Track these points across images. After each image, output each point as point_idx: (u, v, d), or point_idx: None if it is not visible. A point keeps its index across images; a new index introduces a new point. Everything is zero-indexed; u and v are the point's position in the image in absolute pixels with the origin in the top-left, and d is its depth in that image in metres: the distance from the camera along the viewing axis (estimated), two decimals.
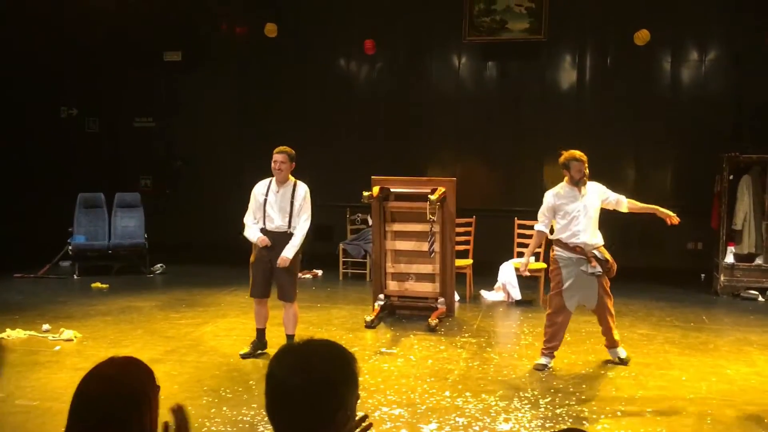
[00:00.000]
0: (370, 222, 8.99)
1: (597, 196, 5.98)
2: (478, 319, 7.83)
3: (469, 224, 9.08)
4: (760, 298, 8.97)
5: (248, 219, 6.16)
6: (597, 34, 10.92)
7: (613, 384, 5.61)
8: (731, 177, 9.18)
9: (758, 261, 9.18)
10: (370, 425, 1.78)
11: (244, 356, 6.13)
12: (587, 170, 5.92)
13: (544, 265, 8.69)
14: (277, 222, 6.05)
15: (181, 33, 11.80)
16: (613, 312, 6.06)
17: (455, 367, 6.06)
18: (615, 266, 5.97)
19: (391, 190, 7.80)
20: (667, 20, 10.42)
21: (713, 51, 10.71)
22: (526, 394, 5.34)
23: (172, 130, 12.25)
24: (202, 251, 11.06)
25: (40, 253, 10.25)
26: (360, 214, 10.43)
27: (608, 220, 11.13)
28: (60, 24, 11.18)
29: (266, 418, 4.66)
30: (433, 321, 7.29)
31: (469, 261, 8.85)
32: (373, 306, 7.80)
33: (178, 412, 2.01)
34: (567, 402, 5.19)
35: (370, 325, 7.36)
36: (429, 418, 4.85)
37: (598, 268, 5.82)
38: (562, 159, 5.94)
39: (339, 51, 11.69)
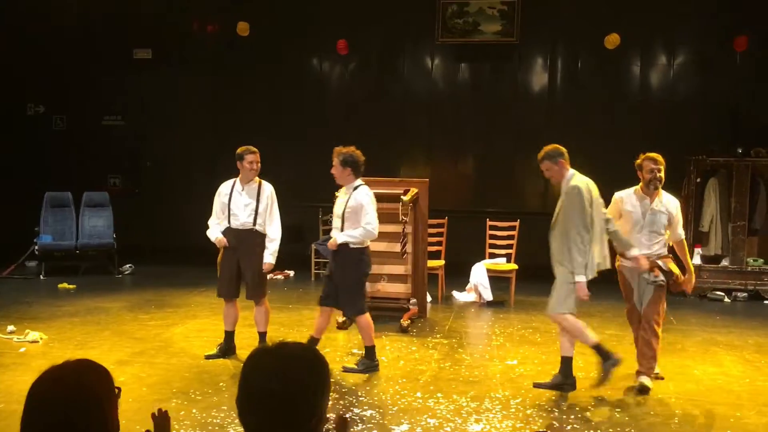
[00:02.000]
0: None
1: (671, 215, 5.52)
2: (450, 320, 7.85)
3: (441, 225, 9.11)
4: (726, 299, 9.13)
5: (212, 220, 6.18)
6: (568, 37, 11.04)
7: (581, 384, 5.64)
8: (698, 180, 9.34)
9: (724, 263, 9.34)
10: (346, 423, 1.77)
11: (209, 357, 6.08)
12: (662, 174, 5.49)
13: (515, 267, 8.77)
14: (242, 219, 6.04)
15: (151, 30, 11.67)
16: (656, 331, 5.47)
17: (427, 368, 6.07)
18: (686, 284, 5.61)
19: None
20: (636, 24, 10.56)
21: (682, 55, 10.88)
22: (497, 395, 5.36)
23: (142, 128, 12.10)
24: (171, 252, 10.93)
25: (5, 253, 10.05)
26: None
27: None
28: (27, 19, 10.98)
29: (236, 421, 4.63)
30: (405, 322, 7.29)
31: (441, 262, 8.88)
32: None
33: (158, 418, 1.98)
34: (537, 402, 5.23)
35: (341, 326, 7.33)
36: (400, 419, 4.85)
37: (661, 278, 5.44)
38: (638, 160, 5.62)
39: (312, 51, 11.65)
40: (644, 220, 5.52)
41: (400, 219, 7.35)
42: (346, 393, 5.33)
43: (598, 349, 5.49)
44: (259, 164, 6.08)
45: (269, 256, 6.06)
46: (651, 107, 10.88)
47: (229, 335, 6.21)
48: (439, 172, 10.98)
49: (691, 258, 9.12)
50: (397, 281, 7.84)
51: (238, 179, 6.13)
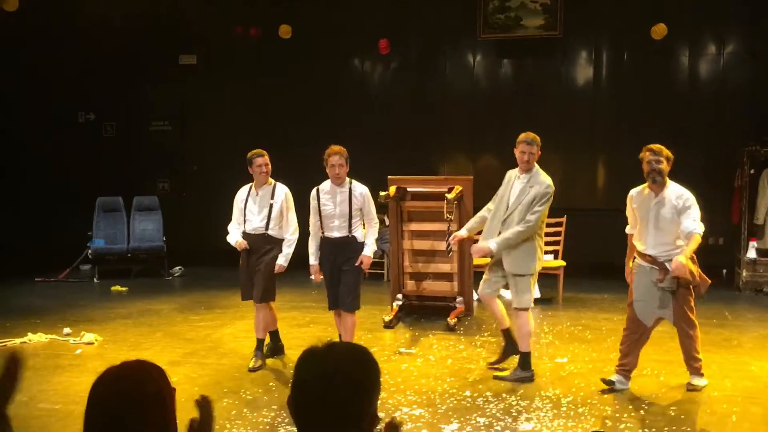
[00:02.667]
0: (387, 222, 8.97)
1: (674, 208, 5.12)
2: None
3: None
4: None
5: (231, 225, 6.16)
6: (613, 29, 10.83)
7: (635, 382, 5.54)
8: (752, 171, 9.09)
9: None
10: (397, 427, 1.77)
11: (252, 370, 5.88)
12: (663, 166, 5.17)
13: (563, 263, 8.64)
14: (254, 224, 5.99)
15: (196, 36, 11.86)
16: (692, 335, 5.26)
17: (475, 366, 6.03)
18: (704, 283, 5.21)
19: (408, 189, 7.77)
20: (684, 13, 10.31)
21: (732, 44, 10.60)
22: (548, 394, 5.29)
23: (188, 133, 12.31)
24: (218, 253, 11.05)
25: (60, 257, 10.34)
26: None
27: (623, 216, 11.04)
28: (77, 30, 11.26)
29: (287, 420, 4.67)
30: (451, 320, 7.26)
31: (488, 260, 8.78)
32: (392, 306, 7.79)
33: (202, 404, 2.01)
34: (589, 401, 5.14)
35: (388, 325, 7.35)
36: (450, 419, 4.82)
37: (667, 283, 5.10)
38: (641, 153, 5.33)
39: (353, 51, 11.70)
40: (649, 217, 5.19)
41: (445, 217, 7.31)
42: (394, 392, 5.33)
43: (524, 356, 5.64)
44: (269, 166, 5.97)
45: (281, 258, 5.96)
46: (701, 99, 10.62)
47: (274, 335, 6.29)
48: (482, 169, 10.90)
49: (746, 252, 8.96)
50: (442, 279, 7.81)
51: (252, 184, 6.09)
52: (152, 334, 7.10)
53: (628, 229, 5.55)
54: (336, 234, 5.73)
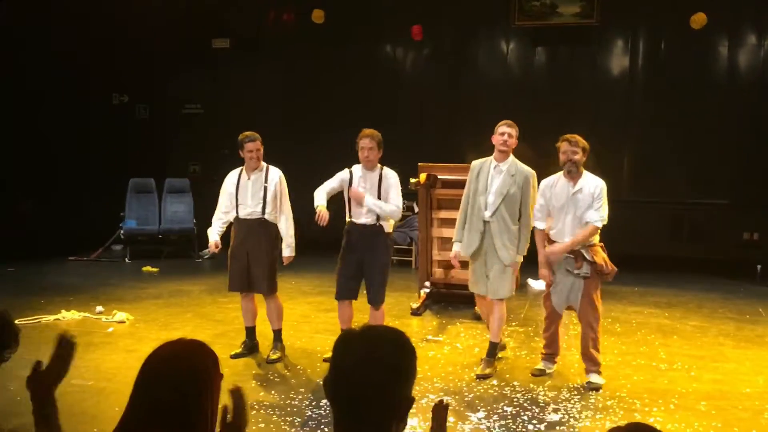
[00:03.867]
0: (416, 209, 8.96)
1: (591, 196, 5.17)
2: (525, 308, 7.74)
3: None
4: None
5: (216, 216, 5.87)
6: (651, 17, 10.63)
7: (665, 376, 5.48)
8: None
9: None
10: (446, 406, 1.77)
11: (234, 356, 5.76)
12: (580, 157, 5.17)
13: None
14: (249, 209, 5.70)
15: (229, 20, 11.90)
16: (596, 328, 5.31)
17: (502, 355, 6.00)
18: (612, 271, 5.27)
19: (438, 177, 7.74)
20: (724, 3, 10.08)
21: None
22: (575, 385, 5.26)
23: (220, 116, 12.37)
24: None
25: (93, 237, 10.50)
26: (406, 201, 10.37)
27: (656, 209, 10.90)
28: (111, 12, 11.36)
29: (314, 403, 4.71)
30: (479, 309, 7.22)
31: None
32: (419, 293, 7.78)
33: (236, 393, 2.02)
34: (618, 393, 5.09)
35: (415, 313, 7.35)
36: (477, 407, 4.82)
37: (585, 270, 5.18)
38: (557, 143, 5.31)
39: (386, 37, 11.64)
40: (568, 205, 5.21)
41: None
42: (421, 379, 5.33)
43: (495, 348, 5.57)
44: (260, 152, 5.68)
45: (287, 249, 5.71)
46: (739, 90, 10.39)
47: (250, 331, 5.95)
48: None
49: None
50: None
51: (243, 168, 5.80)
52: (182, 315, 7.18)
53: (538, 224, 5.40)
54: (363, 220, 5.45)
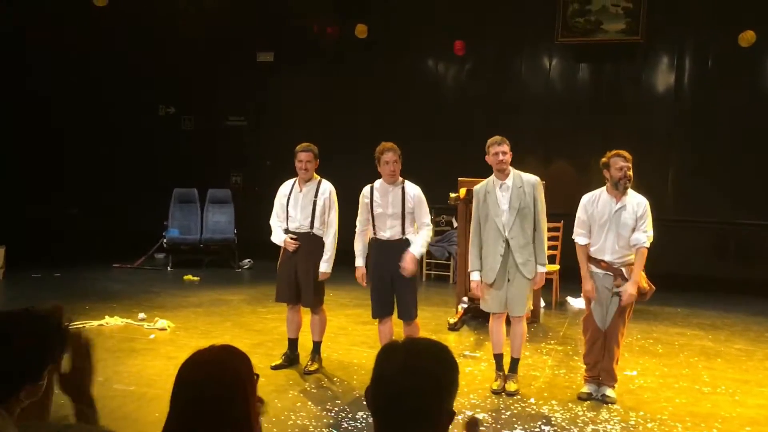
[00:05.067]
0: (455, 224, 8.94)
1: (635, 214, 5.12)
2: (565, 327, 7.65)
3: (557, 229, 8.87)
4: None
5: (273, 221, 5.90)
6: (698, 34, 10.47)
7: (708, 400, 5.36)
8: None
9: None
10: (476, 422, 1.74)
11: (275, 368, 5.79)
12: (631, 173, 5.12)
13: (557, 267, 8.43)
14: (297, 222, 5.72)
15: (273, 34, 12.09)
16: (621, 344, 5.31)
17: (541, 374, 5.94)
18: (651, 290, 5.24)
19: None
20: None
21: None
22: (616, 406, 5.17)
23: (263, 129, 12.56)
24: None
25: (137, 245, 10.71)
26: (445, 216, 10.39)
27: (701, 228, 10.68)
28: (159, 25, 11.64)
29: (350, 415, 4.72)
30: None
31: (556, 267, 8.66)
32: (457, 308, 7.76)
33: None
34: (659, 416, 4.99)
35: (453, 328, 7.32)
36: (513, 425, 4.77)
37: (623, 288, 5.14)
38: (604, 158, 5.20)
39: (428, 52, 11.68)
40: (610, 222, 5.13)
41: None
42: (457, 395, 5.28)
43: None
44: (310, 163, 5.67)
45: (323, 264, 5.67)
46: None
47: (292, 343, 5.93)
48: (555, 174, 10.68)
49: None
50: None
51: (297, 179, 5.80)
52: (222, 324, 7.27)
53: (580, 240, 5.30)
54: (388, 235, 5.42)
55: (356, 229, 5.59)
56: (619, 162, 5.11)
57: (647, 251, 5.15)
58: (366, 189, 5.58)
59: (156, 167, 12.24)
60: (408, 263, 5.33)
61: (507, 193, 5.31)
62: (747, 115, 10.24)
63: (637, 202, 5.16)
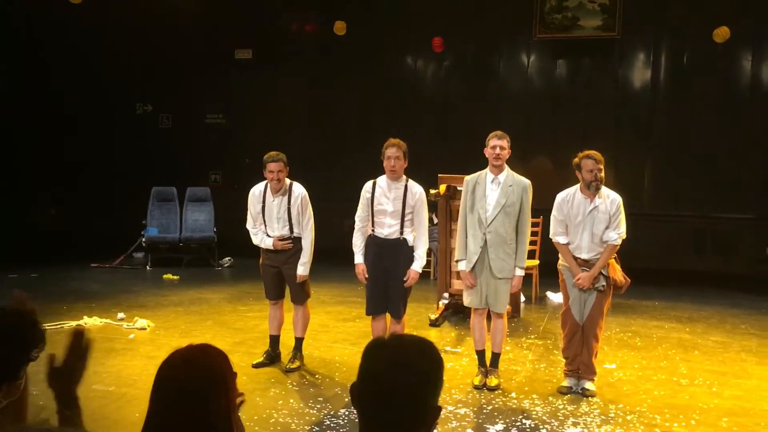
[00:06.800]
0: (435, 220, 8.96)
1: (608, 212, 5.19)
2: (545, 321, 7.71)
3: (536, 224, 8.93)
4: None
5: (249, 226, 5.80)
6: (673, 31, 10.61)
7: (686, 392, 5.43)
8: None
9: None
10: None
11: (256, 366, 5.75)
12: (602, 174, 5.16)
13: (536, 262, 8.51)
14: (277, 232, 5.69)
15: (251, 31, 12.03)
16: (599, 338, 5.37)
17: (521, 368, 5.98)
18: (626, 284, 5.33)
19: (458, 188, 7.73)
20: (748, 16, 10.03)
21: None
22: (595, 399, 5.22)
23: (242, 126, 12.50)
24: None
25: (115, 244, 10.62)
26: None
27: (678, 222, 10.82)
28: (136, 23, 11.53)
29: (332, 412, 4.71)
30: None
31: (536, 262, 8.72)
32: (438, 304, 7.78)
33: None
34: (638, 408, 5.05)
35: (434, 324, 7.34)
36: (495, 419, 4.80)
37: (600, 283, 5.21)
38: (576, 159, 5.25)
39: (407, 49, 11.71)
40: (585, 221, 5.20)
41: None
42: None
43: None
44: (281, 173, 5.56)
45: (300, 267, 5.66)
46: (763, 103, 10.32)
47: (274, 340, 5.93)
48: (534, 170, 10.75)
49: None
50: None
51: (268, 185, 5.69)
52: (202, 323, 7.23)
53: (560, 239, 5.34)
54: (385, 232, 5.38)
55: (355, 225, 5.53)
56: (590, 164, 5.15)
57: (617, 247, 5.23)
58: (368, 184, 5.49)
59: (134, 166, 12.14)
60: (411, 280, 5.38)
61: (497, 188, 5.33)
62: (722, 110, 10.39)
63: (610, 200, 5.22)
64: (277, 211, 5.68)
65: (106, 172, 12.16)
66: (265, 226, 5.75)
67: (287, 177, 5.71)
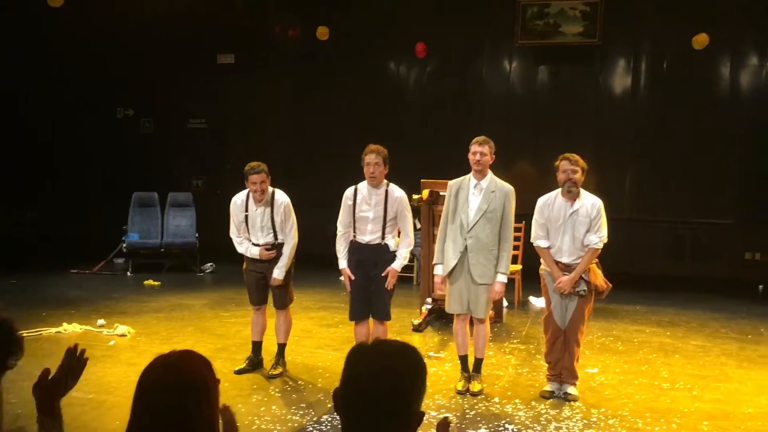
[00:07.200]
0: (419, 225, 8.97)
1: (589, 216, 5.20)
2: (527, 326, 7.73)
3: (518, 229, 8.96)
4: None
5: (233, 235, 5.77)
6: (653, 37, 10.72)
7: (667, 395, 5.47)
8: None
9: None
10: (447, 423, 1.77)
11: (239, 372, 5.72)
12: (579, 176, 5.17)
13: (519, 267, 8.56)
14: (262, 240, 5.67)
15: (234, 36, 11.99)
16: (581, 342, 5.40)
17: (504, 373, 6.00)
18: (607, 289, 5.32)
19: (441, 193, 7.74)
20: (726, 23, 10.16)
21: None
22: (578, 404, 5.24)
23: (224, 131, 12.44)
24: None
25: (95, 250, 10.52)
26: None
27: (659, 227, 10.90)
28: (117, 27, 11.46)
29: (315, 418, 4.68)
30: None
31: (519, 266, 8.75)
32: (421, 309, 7.78)
33: (225, 412, 2.02)
34: (620, 412, 5.08)
35: (417, 329, 7.34)
36: (478, 424, 4.80)
37: (581, 287, 5.21)
38: (556, 161, 5.29)
39: (390, 54, 11.72)
40: (565, 225, 5.21)
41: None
42: None
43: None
44: (264, 183, 5.51)
45: (277, 270, 5.63)
46: (742, 109, 10.45)
47: (256, 346, 5.90)
48: (516, 175, 10.81)
49: None
50: None
51: (250, 194, 5.65)
52: (184, 329, 7.18)
53: (541, 243, 5.34)
54: (367, 238, 5.37)
55: (338, 231, 5.51)
56: (564, 165, 5.20)
57: (598, 251, 5.25)
58: (349, 191, 5.47)
59: (115, 171, 12.05)
60: (390, 278, 5.37)
61: (479, 193, 5.33)
62: (701, 116, 10.50)
63: (591, 204, 5.24)
64: (260, 220, 5.66)
65: (86, 176, 12.06)
66: (249, 234, 5.72)
67: (269, 185, 5.67)
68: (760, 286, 9.54)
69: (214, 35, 11.96)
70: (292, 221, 5.73)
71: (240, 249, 5.80)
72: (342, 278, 5.59)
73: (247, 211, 5.67)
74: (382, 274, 5.37)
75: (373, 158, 5.29)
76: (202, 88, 12.26)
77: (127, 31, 11.52)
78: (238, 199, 5.74)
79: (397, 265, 5.39)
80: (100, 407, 4.89)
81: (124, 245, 10.38)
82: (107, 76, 11.99)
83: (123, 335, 6.78)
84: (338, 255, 5.50)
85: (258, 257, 5.69)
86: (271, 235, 5.68)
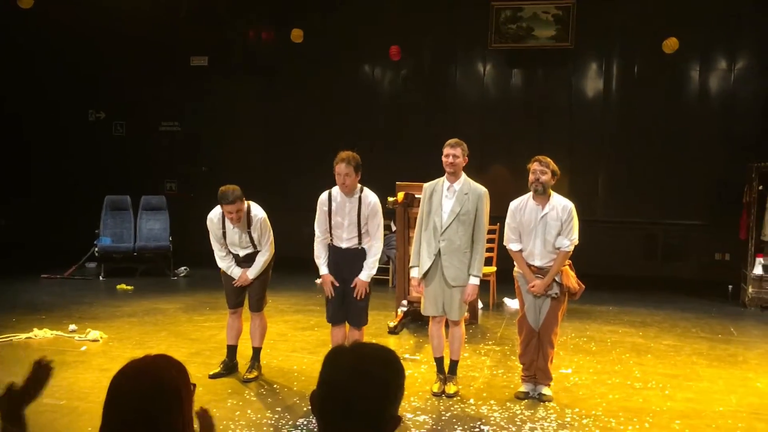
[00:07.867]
0: (394, 228, 8.98)
1: (560, 219, 5.23)
2: (502, 327, 7.78)
3: (492, 231, 9.02)
4: None
5: (215, 248, 5.75)
6: (624, 42, 10.86)
7: (640, 395, 5.54)
8: (760, 187, 9.06)
9: None
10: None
11: (213, 376, 5.70)
12: (548, 178, 5.20)
13: (493, 269, 8.64)
14: (242, 252, 5.73)
15: (207, 38, 11.91)
16: (554, 343, 5.44)
17: (479, 374, 6.02)
18: (580, 290, 5.38)
19: (416, 196, 7.77)
20: (696, 28, 10.33)
21: (743, 59, 10.60)
22: (552, 404, 5.28)
23: (198, 134, 12.35)
24: None
25: (67, 254, 10.37)
26: (383, 220, 10.42)
27: (630, 229, 11.05)
28: (88, 28, 11.32)
29: (291, 422, 4.66)
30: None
31: (493, 268, 8.81)
32: (396, 312, 7.79)
33: (203, 416, 2.01)
34: (593, 412, 5.13)
35: (393, 331, 7.35)
36: (453, 426, 4.82)
37: (554, 290, 5.26)
38: (529, 163, 5.32)
39: (364, 57, 11.73)
40: (537, 228, 5.26)
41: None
42: None
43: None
44: (240, 212, 5.48)
45: (251, 270, 5.69)
46: (710, 114, 10.63)
47: (231, 350, 5.87)
48: (490, 178, 10.88)
49: (753, 268, 8.94)
50: None
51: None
52: (157, 333, 7.11)
53: (513, 246, 5.39)
54: (344, 245, 5.35)
55: (316, 237, 5.48)
56: (534, 166, 5.25)
57: (569, 254, 5.30)
58: (323, 196, 5.44)
59: (87, 174, 11.90)
60: (359, 288, 5.35)
61: (452, 196, 5.35)
62: (671, 119, 10.67)
63: (562, 207, 5.27)
64: (239, 237, 5.68)
65: (57, 180, 11.89)
66: (229, 248, 5.75)
67: (244, 202, 5.59)
68: (730, 287, 9.70)
69: (187, 37, 11.87)
70: (269, 235, 5.74)
71: (222, 264, 5.79)
72: (318, 281, 5.58)
73: (224, 228, 5.67)
74: (351, 285, 5.35)
75: (343, 168, 5.19)
76: (175, 91, 12.16)
77: (98, 33, 11.38)
78: (215, 217, 5.69)
79: (365, 276, 5.35)
80: (71, 413, 4.82)
81: (96, 249, 10.25)
82: (79, 79, 11.85)
83: (95, 340, 6.69)
84: (318, 261, 5.47)
85: (237, 279, 5.73)
86: (250, 247, 5.72)
